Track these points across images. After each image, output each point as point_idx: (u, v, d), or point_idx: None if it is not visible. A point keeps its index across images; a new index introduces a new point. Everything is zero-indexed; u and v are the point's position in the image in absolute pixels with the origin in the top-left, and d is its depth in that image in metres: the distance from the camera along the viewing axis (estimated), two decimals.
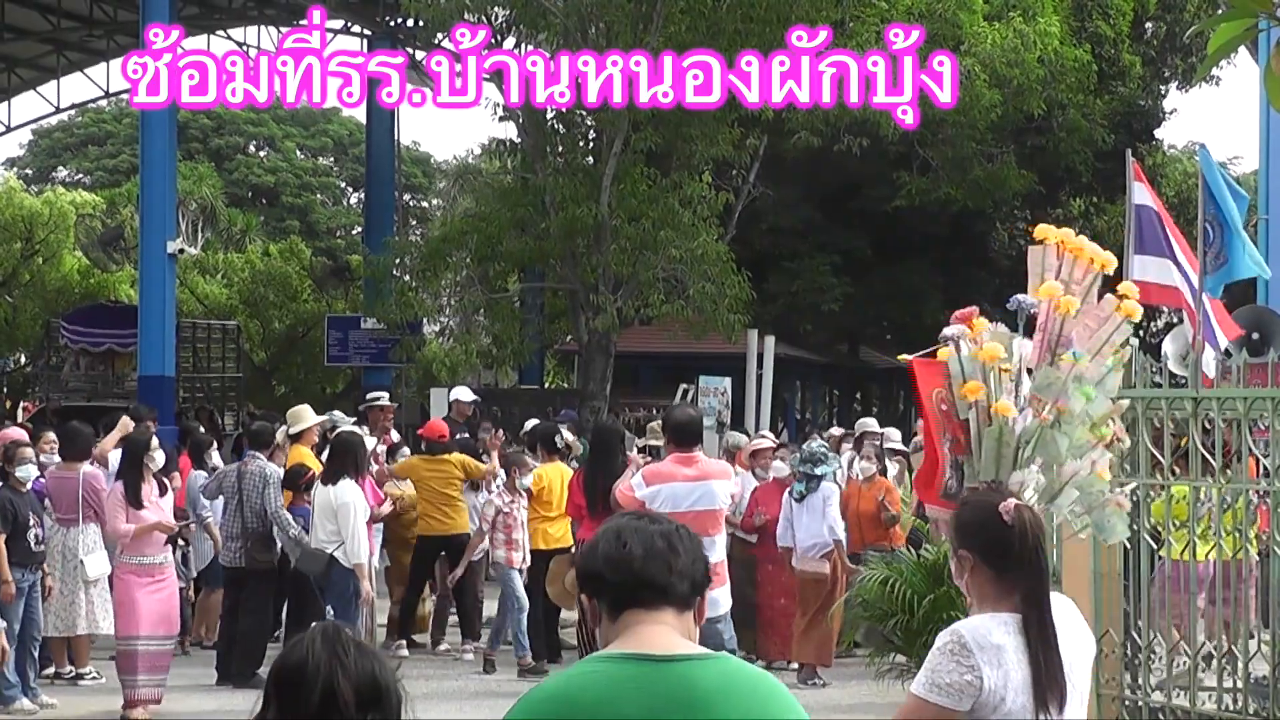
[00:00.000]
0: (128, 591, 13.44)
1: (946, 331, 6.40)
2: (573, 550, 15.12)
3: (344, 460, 14.17)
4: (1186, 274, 9.86)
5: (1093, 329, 6.18)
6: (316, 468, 15.50)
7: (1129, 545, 9.56)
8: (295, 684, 3.63)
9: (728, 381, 27.78)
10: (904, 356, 6.52)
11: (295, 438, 16.38)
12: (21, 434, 15.60)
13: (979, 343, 6.08)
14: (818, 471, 15.51)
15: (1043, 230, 6.32)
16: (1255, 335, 11.18)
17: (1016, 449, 5.87)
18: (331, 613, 14.22)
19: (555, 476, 16.16)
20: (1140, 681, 9.58)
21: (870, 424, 19.88)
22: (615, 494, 12.71)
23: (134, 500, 13.32)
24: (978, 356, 6.02)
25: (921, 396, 6.34)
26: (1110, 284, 6.45)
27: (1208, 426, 9.46)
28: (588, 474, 14.17)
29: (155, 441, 14.25)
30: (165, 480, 14.37)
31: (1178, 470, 9.84)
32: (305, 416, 16.51)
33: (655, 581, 3.84)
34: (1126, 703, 9.59)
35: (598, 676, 3.79)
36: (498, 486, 16.06)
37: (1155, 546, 9.61)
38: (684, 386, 27.76)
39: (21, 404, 39.14)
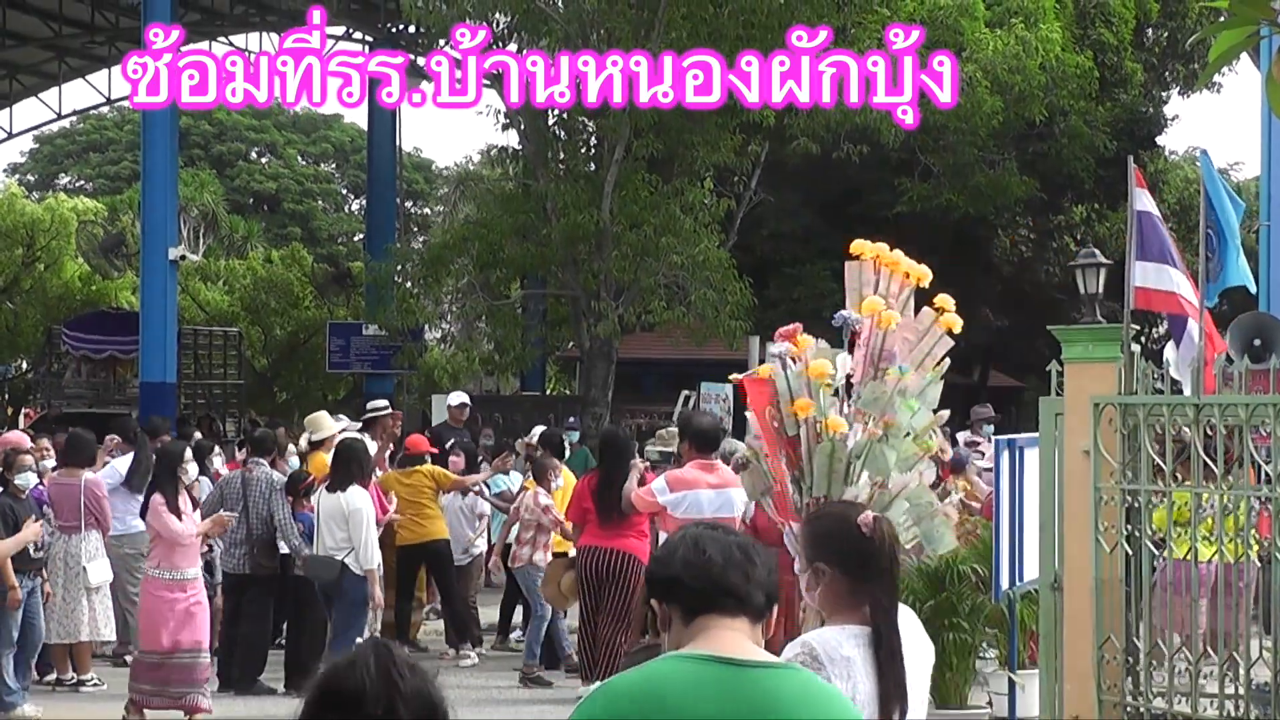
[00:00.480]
0: (157, 607, 13.24)
1: (772, 349, 6.45)
2: (568, 555, 15.08)
3: (349, 466, 14.14)
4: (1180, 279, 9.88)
5: (912, 342, 6.25)
6: None
7: (1130, 551, 9.56)
8: (351, 706, 3.45)
9: (729, 388, 27.74)
10: (734, 376, 6.59)
11: (316, 445, 16.36)
12: (23, 439, 15.62)
13: (804, 360, 6.08)
14: None
15: (858, 246, 6.47)
16: (1257, 342, 11.17)
17: (848, 464, 5.89)
18: (333, 620, 14.21)
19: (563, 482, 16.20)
20: (1142, 688, 9.57)
21: None
22: (631, 497, 12.81)
23: (174, 511, 13.24)
24: (806, 374, 6.01)
25: (756, 413, 6.32)
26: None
27: (1209, 433, 9.46)
28: (601, 479, 14.02)
29: (189, 453, 14.22)
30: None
31: (1179, 476, 9.83)
32: (325, 424, 16.44)
33: (735, 589, 3.89)
34: (1128, 709, 9.58)
35: (680, 675, 3.80)
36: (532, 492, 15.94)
37: (1155, 552, 9.60)
38: (686, 393, 27.74)
39: (23, 410, 39.15)
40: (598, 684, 11.85)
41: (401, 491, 16.58)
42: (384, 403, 19.57)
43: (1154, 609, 9.87)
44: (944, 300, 6.23)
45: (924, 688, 5.03)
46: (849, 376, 6.14)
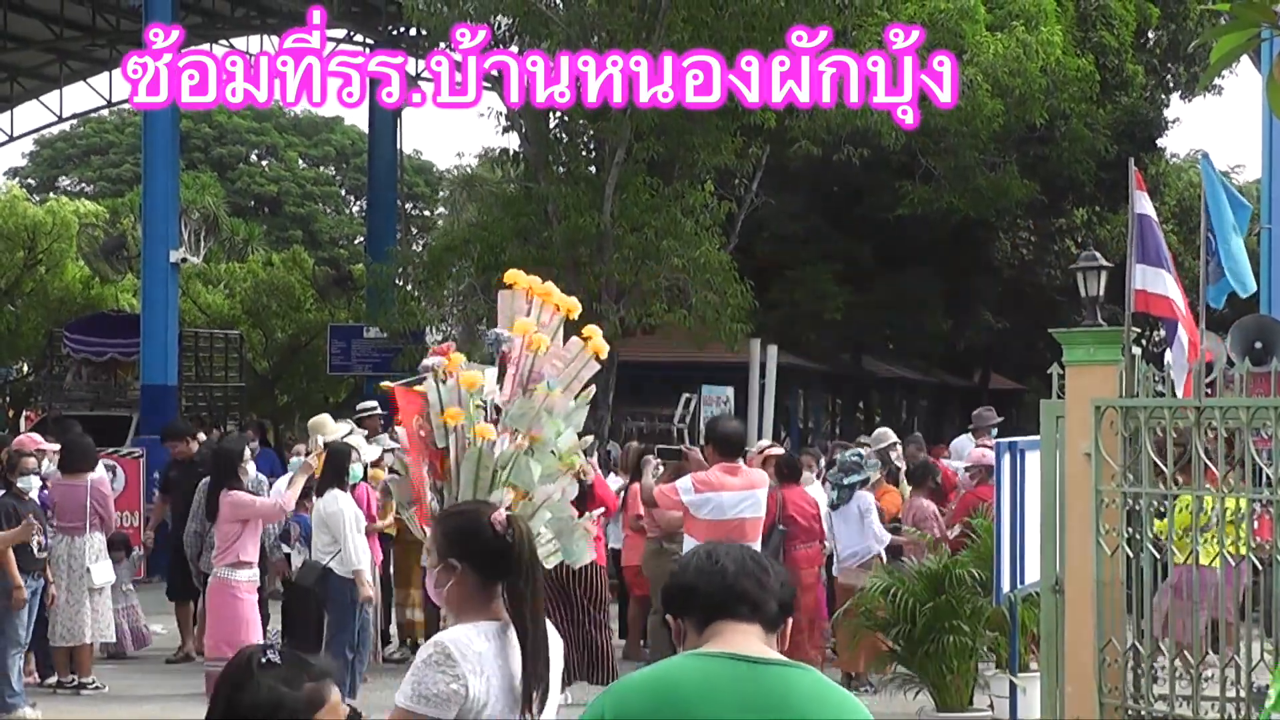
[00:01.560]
0: (240, 608, 13.30)
1: (426, 362, 6.47)
2: None
3: (329, 471, 14.15)
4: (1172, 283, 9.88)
5: (560, 368, 6.40)
6: None
7: (1131, 553, 9.56)
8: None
9: (730, 391, 27.76)
10: (385, 384, 6.65)
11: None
12: (38, 441, 15.65)
13: (456, 375, 6.19)
14: (847, 481, 15.56)
15: (512, 276, 6.57)
16: (1258, 344, 11.20)
17: (493, 473, 6.00)
18: (327, 623, 14.20)
19: None
20: (1143, 691, 9.57)
21: (889, 434, 19.91)
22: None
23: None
24: (460, 384, 6.14)
25: (404, 423, 6.43)
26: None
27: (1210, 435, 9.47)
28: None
29: (247, 452, 14.21)
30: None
31: (1181, 480, 9.83)
32: (329, 426, 16.34)
33: (748, 595, 3.95)
34: (1129, 712, 9.58)
35: (695, 670, 3.85)
36: None
37: (1158, 555, 9.60)
38: (686, 396, 27.72)
39: (24, 413, 39.14)
40: (577, 683, 11.72)
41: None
42: (373, 403, 19.54)
43: (1158, 611, 9.87)
44: (592, 330, 6.47)
45: (556, 686, 5.13)
46: (497, 396, 6.27)
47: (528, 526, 5.28)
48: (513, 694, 4.84)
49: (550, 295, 6.63)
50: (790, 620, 4.05)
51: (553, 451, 6.25)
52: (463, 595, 5.02)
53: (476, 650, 4.84)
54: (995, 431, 19.83)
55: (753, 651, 3.89)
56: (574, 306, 6.70)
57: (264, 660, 3.87)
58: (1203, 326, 10.28)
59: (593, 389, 6.59)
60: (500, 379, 6.31)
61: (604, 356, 6.54)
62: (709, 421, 16.33)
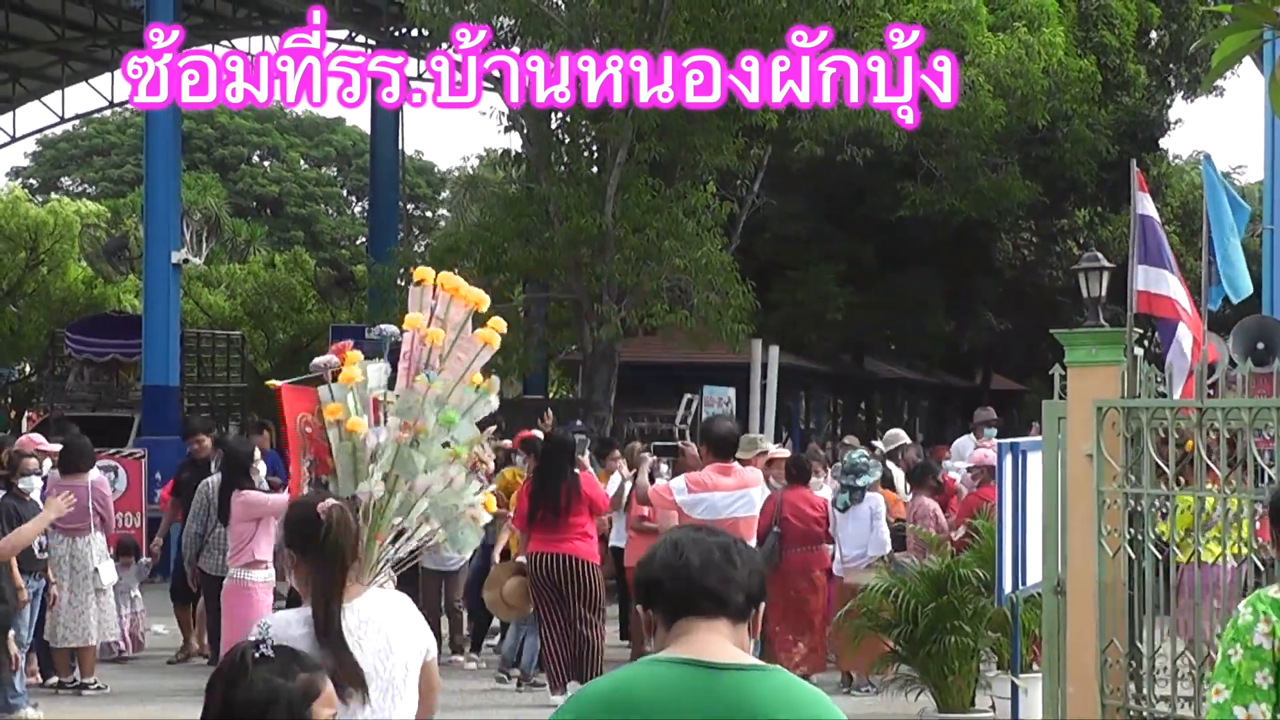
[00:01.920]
0: (257, 609, 12.81)
1: (317, 360, 6.80)
2: (517, 559, 15.02)
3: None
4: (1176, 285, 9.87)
5: (464, 361, 6.62)
6: None
7: (1133, 554, 9.55)
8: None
9: (731, 391, 27.78)
10: (272, 383, 6.97)
11: None
12: (41, 442, 15.65)
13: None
14: (859, 483, 15.57)
15: (420, 273, 6.91)
16: (1260, 345, 11.20)
17: (369, 464, 6.17)
18: None
19: None
20: (1145, 692, 9.56)
21: (901, 435, 19.91)
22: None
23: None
24: (340, 381, 6.38)
25: (286, 420, 6.73)
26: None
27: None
28: (537, 483, 14.05)
29: (257, 453, 14.09)
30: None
31: (1183, 480, 9.83)
32: None
33: (712, 591, 3.86)
34: (1131, 713, 9.58)
35: (654, 679, 3.80)
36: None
37: (1160, 556, 9.59)
38: (688, 396, 27.75)
39: (26, 414, 39.15)
40: (572, 683, 11.78)
41: None
42: None
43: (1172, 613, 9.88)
44: (496, 322, 6.78)
45: (413, 674, 5.39)
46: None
47: (344, 516, 5.42)
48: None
49: (459, 290, 6.86)
50: (761, 607, 3.97)
51: (447, 442, 6.42)
52: (301, 582, 5.36)
53: (292, 635, 4.97)
54: (995, 431, 19.83)
55: (714, 653, 3.82)
56: (482, 300, 6.91)
57: (258, 655, 3.89)
58: (1205, 328, 10.27)
59: (496, 381, 6.77)
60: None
61: (495, 346, 6.71)
62: (704, 422, 16.40)
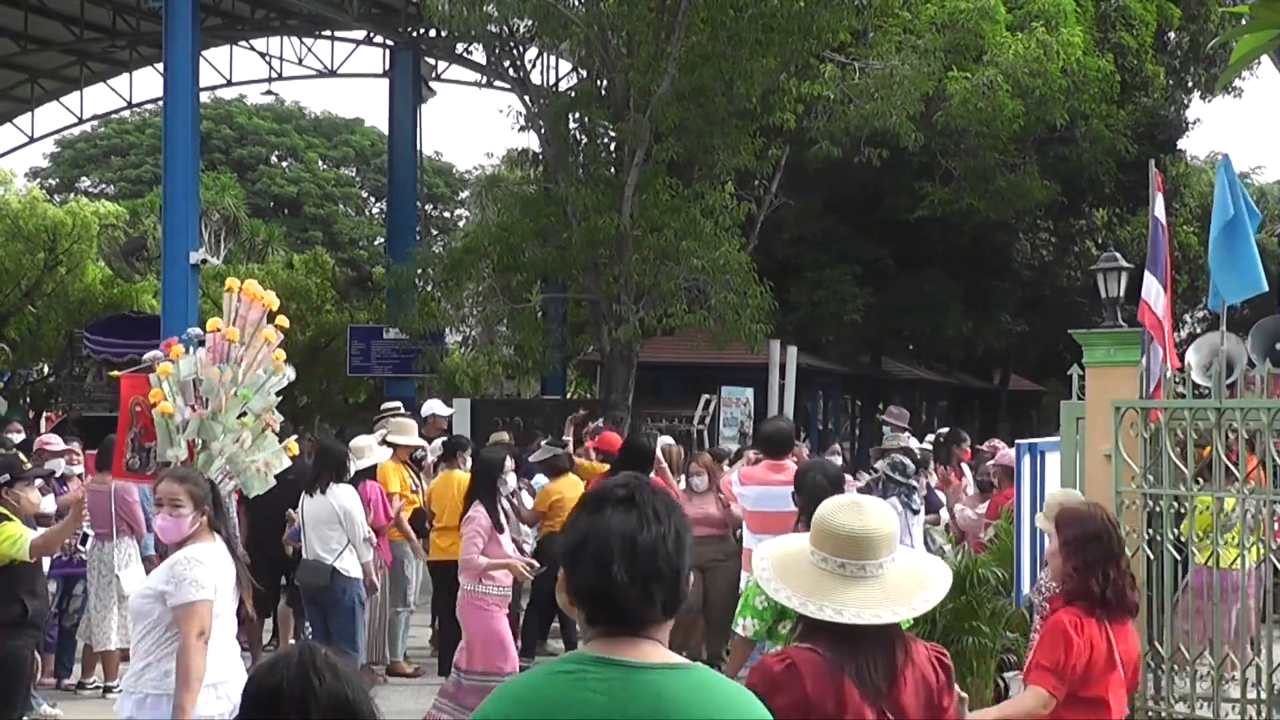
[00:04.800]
0: (496, 625, 12.46)
1: (148, 355, 9.66)
2: None
3: (325, 468, 13.86)
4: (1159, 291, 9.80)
5: (257, 349, 9.20)
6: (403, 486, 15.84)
7: (1152, 555, 9.54)
8: (268, 706, 3.73)
9: (750, 392, 27.76)
10: (115, 374, 9.40)
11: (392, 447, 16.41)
12: (58, 442, 15.70)
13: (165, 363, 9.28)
14: (908, 478, 15.64)
15: (230, 282, 9.39)
16: (1279, 346, 11.15)
17: (174, 434, 8.91)
18: (310, 630, 14.02)
19: (568, 490, 16.01)
20: (1163, 692, 9.55)
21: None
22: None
23: (498, 526, 12.63)
24: (160, 372, 9.15)
25: (123, 402, 9.51)
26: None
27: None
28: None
29: (510, 463, 13.89)
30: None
31: (1202, 480, 9.81)
32: (372, 450, 15.97)
33: (638, 602, 3.77)
34: (1149, 714, 9.57)
35: (570, 679, 3.75)
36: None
37: (1179, 557, 9.58)
38: (706, 397, 27.74)
39: (45, 414, 39.22)
40: None
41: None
42: (397, 403, 19.52)
43: (1182, 614, 9.85)
44: (280, 319, 9.62)
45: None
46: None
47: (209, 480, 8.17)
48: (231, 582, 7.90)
49: (258, 294, 9.19)
50: (679, 605, 3.86)
51: (245, 412, 9.13)
52: (200, 529, 7.88)
53: (212, 556, 7.78)
54: (905, 433, 19.88)
55: (635, 654, 3.77)
56: (271, 301, 9.35)
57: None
58: (1223, 328, 10.25)
59: (289, 369, 9.51)
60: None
61: (275, 340, 9.35)
62: (760, 427, 16.88)
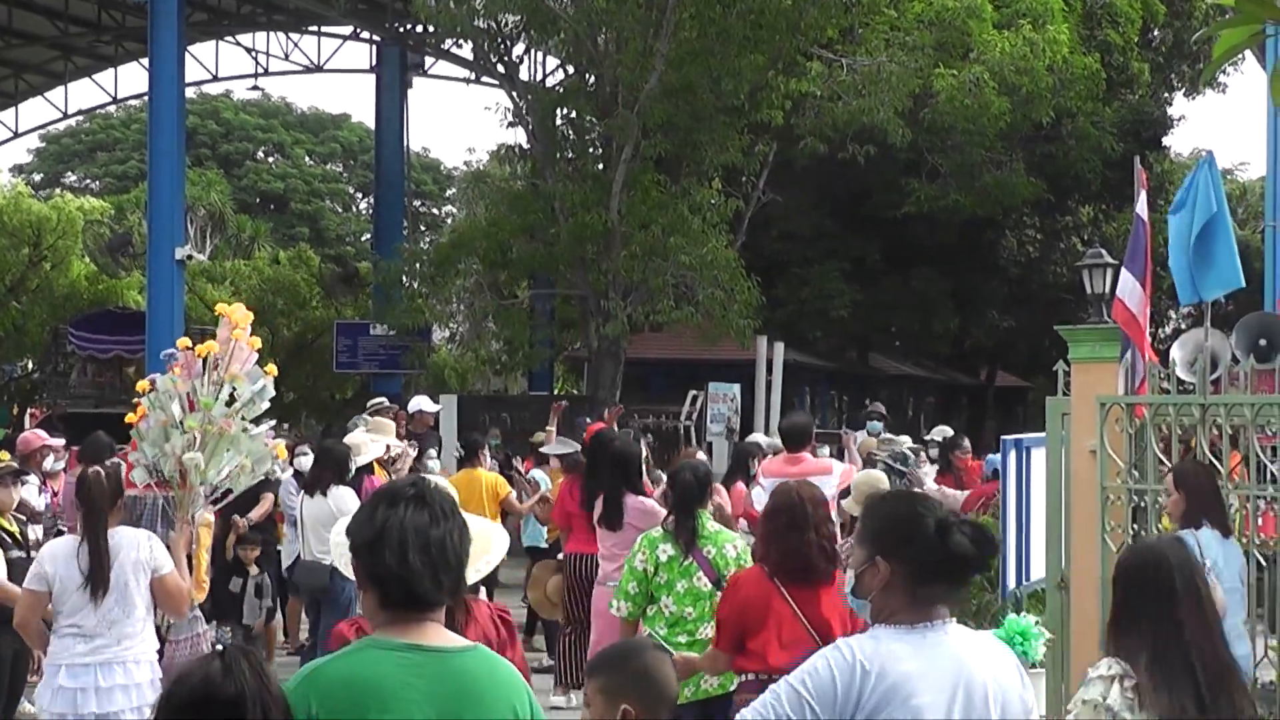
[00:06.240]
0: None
1: (166, 352, 10.33)
2: (558, 557, 14.84)
3: (327, 469, 13.81)
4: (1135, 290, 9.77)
5: (241, 359, 9.90)
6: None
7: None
8: (201, 706, 3.72)
9: (737, 388, 27.74)
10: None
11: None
12: (44, 438, 15.65)
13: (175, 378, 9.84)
14: (907, 469, 15.83)
15: (222, 309, 10.20)
16: (1263, 342, 11.17)
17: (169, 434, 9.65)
18: (323, 624, 13.99)
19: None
20: None
21: (946, 430, 19.90)
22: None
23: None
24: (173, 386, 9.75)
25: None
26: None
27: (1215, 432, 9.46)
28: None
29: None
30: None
31: None
32: (366, 447, 15.90)
33: (429, 591, 4.19)
34: None
35: (385, 662, 4.13)
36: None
37: None
38: (693, 393, 27.72)
39: (29, 410, 39.13)
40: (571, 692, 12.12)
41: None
42: (383, 399, 19.49)
43: None
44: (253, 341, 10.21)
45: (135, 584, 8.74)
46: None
47: (101, 478, 8.87)
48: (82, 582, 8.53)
49: (231, 314, 10.02)
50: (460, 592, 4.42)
51: (213, 420, 9.67)
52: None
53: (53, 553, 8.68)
54: (880, 426, 19.90)
55: (432, 638, 4.20)
56: (247, 316, 10.15)
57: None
58: (1207, 324, 10.26)
59: (266, 383, 10.01)
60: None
61: (256, 345, 10.04)
62: (783, 419, 17.37)
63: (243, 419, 9.72)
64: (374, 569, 4.20)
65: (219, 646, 3.88)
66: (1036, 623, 5.96)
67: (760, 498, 13.00)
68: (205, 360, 9.64)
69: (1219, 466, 9.27)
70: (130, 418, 9.95)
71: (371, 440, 15.83)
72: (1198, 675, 4.87)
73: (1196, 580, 5.04)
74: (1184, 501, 8.99)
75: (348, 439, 15.49)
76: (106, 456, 15.23)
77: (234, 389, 9.69)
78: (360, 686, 4.07)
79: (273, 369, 10.21)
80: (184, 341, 9.85)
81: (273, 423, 10.22)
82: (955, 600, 4.57)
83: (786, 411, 23.36)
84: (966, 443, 18.10)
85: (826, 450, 17.04)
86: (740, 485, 14.84)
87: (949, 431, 19.59)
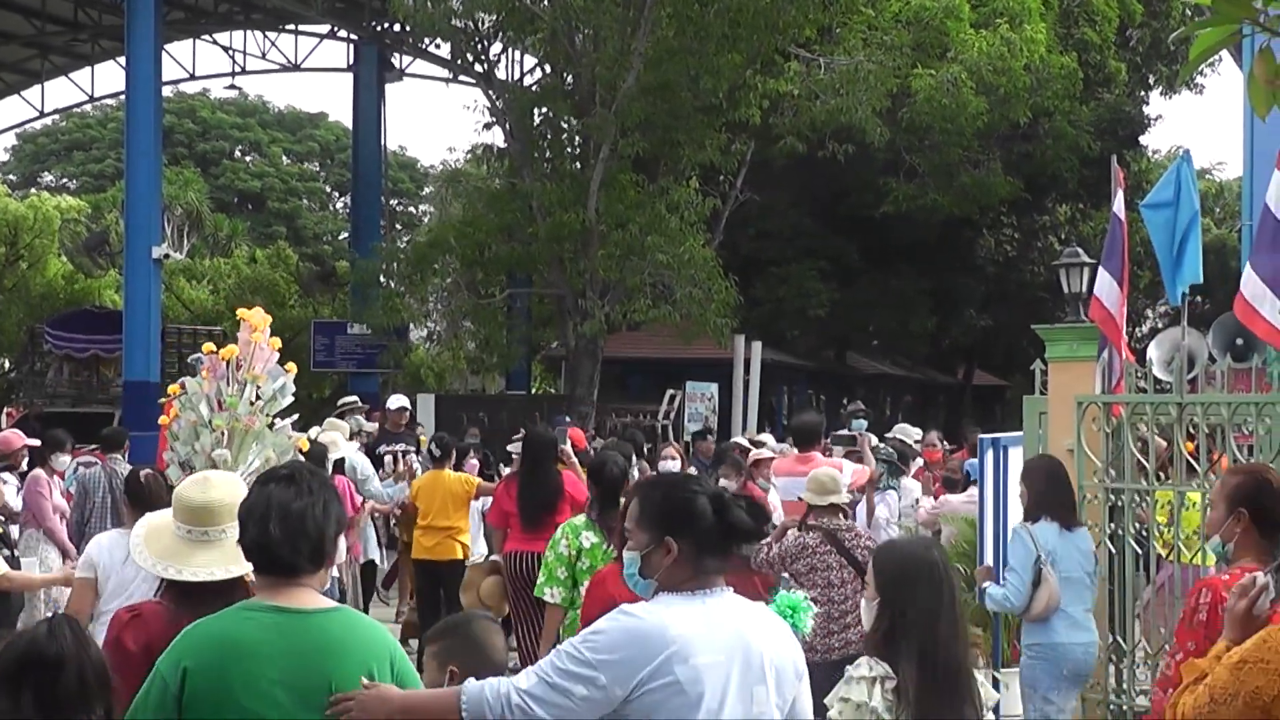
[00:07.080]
0: None
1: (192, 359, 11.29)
2: (491, 558, 14.70)
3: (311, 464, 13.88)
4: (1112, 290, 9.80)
5: (262, 359, 10.02)
6: None
7: (1114, 549, 9.58)
8: (48, 668, 4.17)
9: (715, 387, 27.76)
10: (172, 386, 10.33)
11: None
12: (21, 438, 15.61)
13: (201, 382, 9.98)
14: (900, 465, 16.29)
15: (243, 313, 10.13)
16: (1239, 341, 11.21)
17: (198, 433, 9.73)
18: None
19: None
20: (1125, 685, 9.59)
21: (912, 432, 19.94)
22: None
23: None
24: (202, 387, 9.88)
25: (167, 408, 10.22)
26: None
27: (1192, 432, 9.49)
28: (524, 480, 13.14)
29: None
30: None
31: (1163, 475, 9.86)
32: (340, 445, 15.92)
33: (295, 558, 4.58)
34: (1111, 706, 9.60)
35: (253, 623, 4.53)
36: None
37: (1140, 551, 9.62)
38: (671, 392, 27.74)
39: (5, 410, 39.04)
40: None
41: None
42: (354, 398, 19.49)
43: (1154, 611, 9.90)
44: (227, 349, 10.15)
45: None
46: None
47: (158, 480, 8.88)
48: None
49: (250, 319, 10.03)
50: (331, 557, 4.71)
51: (239, 419, 9.77)
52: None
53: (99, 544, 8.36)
54: (864, 424, 19.95)
55: (300, 601, 4.57)
56: (262, 321, 10.07)
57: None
58: (1184, 323, 10.29)
59: (287, 371, 10.10)
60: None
61: (277, 346, 10.18)
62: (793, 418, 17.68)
63: (266, 415, 9.98)
64: (243, 539, 4.66)
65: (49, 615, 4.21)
66: (805, 598, 6.10)
67: (772, 497, 13.29)
68: (229, 363, 9.90)
69: (1196, 466, 9.29)
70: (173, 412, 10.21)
71: (342, 440, 15.90)
72: (953, 678, 5.03)
73: (954, 581, 5.19)
74: (1027, 496, 9.20)
75: (321, 437, 15.53)
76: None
77: (257, 387, 9.98)
78: (225, 642, 4.49)
79: (293, 366, 10.42)
80: (209, 347, 10.13)
81: (295, 417, 10.45)
82: (730, 570, 4.84)
83: (764, 410, 23.43)
84: (931, 436, 18.43)
85: (840, 451, 16.84)
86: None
87: (916, 432, 19.64)
